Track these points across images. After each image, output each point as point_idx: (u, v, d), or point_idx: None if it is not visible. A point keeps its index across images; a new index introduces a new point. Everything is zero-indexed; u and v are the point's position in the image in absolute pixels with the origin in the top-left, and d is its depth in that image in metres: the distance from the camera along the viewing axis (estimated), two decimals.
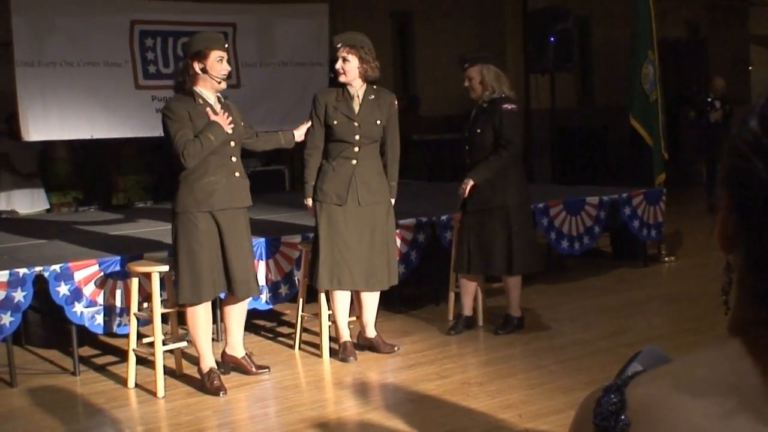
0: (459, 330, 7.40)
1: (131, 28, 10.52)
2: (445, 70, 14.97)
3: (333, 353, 6.92)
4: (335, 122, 6.65)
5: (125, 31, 10.50)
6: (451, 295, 7.98)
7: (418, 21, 16.33)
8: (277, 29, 11.60)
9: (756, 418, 0.99)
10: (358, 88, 6.73)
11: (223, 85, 6.09)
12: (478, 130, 7.12)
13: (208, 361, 6.25)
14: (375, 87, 6.83)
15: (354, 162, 6.69)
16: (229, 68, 6.15)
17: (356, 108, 6.68)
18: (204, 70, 5.99)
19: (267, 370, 6.54)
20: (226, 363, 6.51)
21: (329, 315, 7.03)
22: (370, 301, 6.98)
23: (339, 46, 6.67)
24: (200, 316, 6.17)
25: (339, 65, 6.65)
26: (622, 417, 1.09)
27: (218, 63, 6.02)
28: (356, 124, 6.66)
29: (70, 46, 10.07)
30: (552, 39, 13.06)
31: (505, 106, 7.11)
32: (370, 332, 7.04)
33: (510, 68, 14.88)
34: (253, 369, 6.49)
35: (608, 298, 8.54)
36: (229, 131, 6.01)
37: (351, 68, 6.63)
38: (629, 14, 11.20)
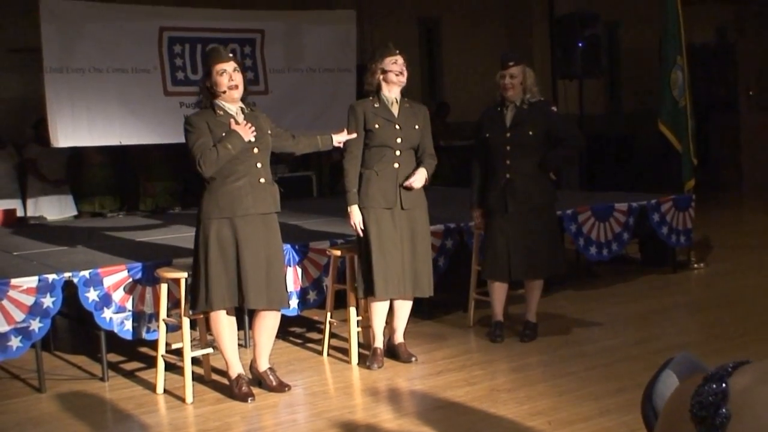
0: (502, 336, 7.36)
1: (160, 34, 10.56)
2: (472, 76, 14.96)
3: (362, 359, 6.92)
4: (377, 126, 6.64)
5: (154, 38, 10.55)
6: (471, 301, 7.96)
7: (446, 27, 16.33)
8: (305, 35, 11.62)
9: None
10: (394, 97, 6.74)
11: (235, 94, 6.08)
12: (530, 132, 7.07)
13: (236, 368, 6.25)
14: (405, 98, 6.85)
15: (396, 166, 6.68)
16: (235, 79, 6.07)
17: (395, 112, 6.70)
18: (211, 87, 6.05)
19: (287, 389, 6.35)
20: (253, 372, 6.48)
21: (358, 321, 7.02)
22: (405, 308, 6.94)
23: (398, 52, 6.74)
24: (223, 323, 6.16)
25: (402, 70, 6.71)
26: (723, 410, 1.05)
27: (220, 77, 6.02)
28: (397, 126, 6.67)
29: (99, 52, 10.11)
30: (580, 44, 13.01)
31: (553, 108, 7.25)
32: (398, 338, 7.02)
33: (538, 73, 14.79)
34: (274, 384, 6.34)
35: (637, 304, 8.49)
36: (252, 139, 6.00)
37: (406, 78, 6.76)
38: (658, 19, 11.14)
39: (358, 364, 6.86)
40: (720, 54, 19.31)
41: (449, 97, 16.09)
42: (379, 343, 6.89)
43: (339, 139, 6.64)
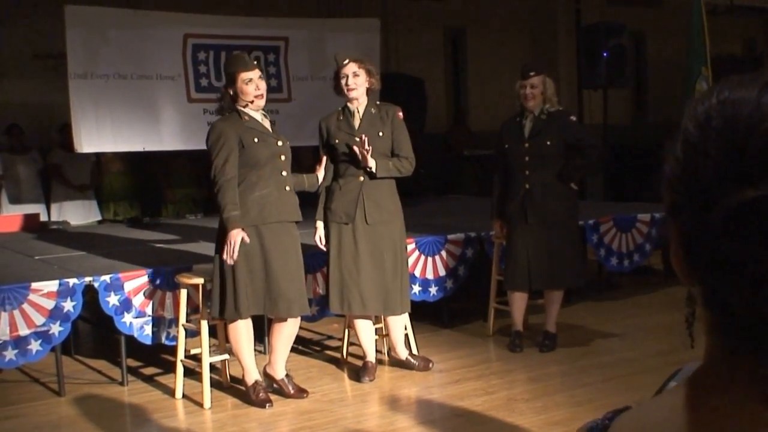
0: (522, 346, 7.35)
1: (184, 41, 10.60)
2: (497, 85, 14.94)
3: (355, 371, 6.95)
4: (337, 141, 6.55)
5: (178, 45, 10.58)
6: (491, 311, 7.94)
7: (471, 35, 16.31)
8: (329, 43, 11.62)
9: None
10: (358, 105, 6.61)
11: (260, 102, 6.08)
12: (548, 142, 7.06)
13: (253, 374, 6.26)
14: (378, 102, 6.75)
15: (361, 179, 6.55)
16: (261, 88, 6.06)
17: (356, 124, 6.58)
18: (235, 95, 6.03)
19: (305, 395, 6.36)
20: (267, 379, 6.46)
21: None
22: (395, 322, 6.89)
23: (346, 62, 6.51)
24: (241, 331, 6.16)
25: (351, 81, 6.48)
26: None
27: (246, 85, 6.00)
28: (357, 138, 6.48)
29: (123, 58, 10.16)
30: (605, 54, 12.98)
31: (572, 117, 7.25)
32: (401, 352, 6.98)
33: (563, 83, 14.84)
34: (291, 391, 6.36)
35: (658, 316, 8.44)
36: (231, 262, 5.89)
37: (360, 83, 6.52)
38: (684, 30, 11.10)
39: (360, 374, 6.83)
40: (747, 66, 19.20)
41: (473, 106, 16.08)
42: (370, 356, 6.83)
43: (321, 176, 6.59)
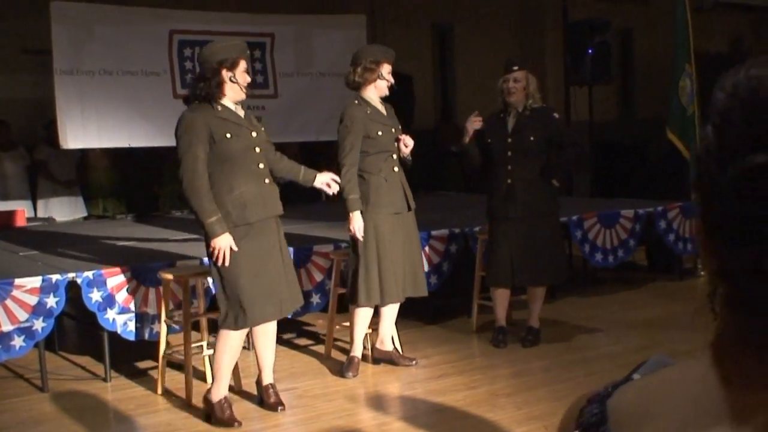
0: (506, 342, 7.36)
1: (170, 37, 10.61)
2: (485, 81, 14.94)
3: (338, 367, 6.96)
4: (379, 133, 6.58)
5: (164, 41, 10.59)
6: (475, 306, 7.97)
7: (459, 32, 16.32)
8: (315, 40, 11.65)
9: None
10: (378, 99, 6.73)
11: (245, 95, 5.81)
12: (531, 138, 7.07)
13: (224, 390, 5.87)
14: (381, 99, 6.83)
15: (397, 170, 6.67)
16: (249, 78, 5.89)
17: (385, 116, 6.70)
18: (233, 80, 5.68)
19: (283, 408, 6.02)
20: (259, 387, 6.20)
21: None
22: (390, 314, 6.89)
23: (389, 62, 6.70)
24: (235, 342, 5.82)
25: (389, 82, 6.69)
26: (602, 429, 1.06)
27: (244, 73, 5.76)
28: (393, 130, 6.67)
29: (108, 54, 10.17)
30: (590, 51, 13.00)
31: (555, 114, 7.26)
32: (388, 345, 7.01)
33: (550, 80, 14.88)
34: (271, 400, 6.06)
35: (642, 311, 8.48)
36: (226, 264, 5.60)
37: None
38: (671, 27, 11.12)
39: (343, 370, 6.81)
40: (734, 63, 19.16)
41: (461, 102, 16.08)
42: (358, 352, 6.83)
43: (322, 179, 6.22)
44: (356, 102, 6.62)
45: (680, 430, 0.98)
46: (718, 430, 0.95)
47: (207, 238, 5.62)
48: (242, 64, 5.75)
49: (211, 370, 6.08)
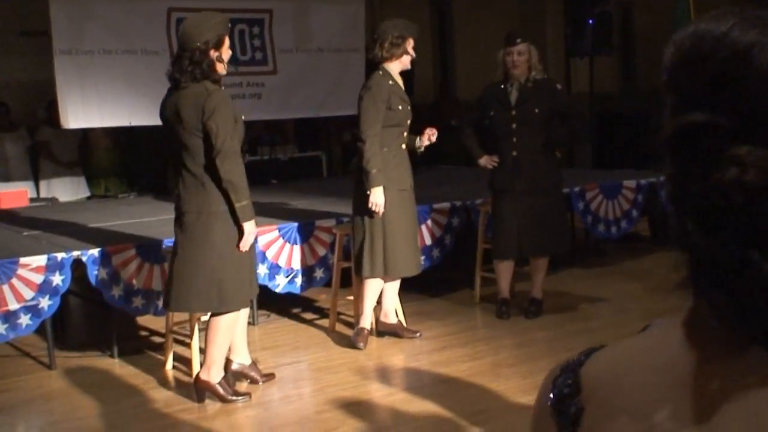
0: (509, 313, 7.40)
1: (168, 15, 10.58)
2: (484, 55, 14.91)
3: (347, 339, 6.99)
4: (399, 107, 6.63)
5: (163, 19, 10.56)
6: (478, 279, 8.01)
7: (457, 6, 16.27)
8: (314, 15, 11.62)
9: (677, 405, 0.95)
10: (397, 74, 6.74)
11: (225, 72, 5.59)
12: (536, 110, 7.08)
13: (221, 372, 5.77)
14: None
15: (403, 147, 6.72)
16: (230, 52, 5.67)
17: (404, 91, 6.74)
18: (219, 59, 5.47)
19: (273, 377, 6.14)
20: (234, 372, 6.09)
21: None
22: (393, 287, 6.95)
23: (413, 37, 6.73)
24: (232, 324, 5.75)
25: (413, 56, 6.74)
26: (576, 400, 1.04)
27: (228, 50, 5.58)
28: (409, 107, 6.72)
29: (107, 34, 10.15)
30: (590, 22, 12.98)
31: (558, 86, 7.31)
32: (392, 318, 7.05)
33: (551, 51, 14.83)
34: (260, 378, 6.06)
35: (645, 281, 8.47)
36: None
37: None
38: None
39: (353, 342, 6.83)
40: None
41: (460, 75, 16.06)
42: (367, 323, 6.86)
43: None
44: (381, 73, 6.65)
45: (648, 405, 0.97)
46: (682, 404, 0.95)
47: (209, 225, 5.52)
48: (227, 41, 5.58)
49: (205, 353, 5.84)
